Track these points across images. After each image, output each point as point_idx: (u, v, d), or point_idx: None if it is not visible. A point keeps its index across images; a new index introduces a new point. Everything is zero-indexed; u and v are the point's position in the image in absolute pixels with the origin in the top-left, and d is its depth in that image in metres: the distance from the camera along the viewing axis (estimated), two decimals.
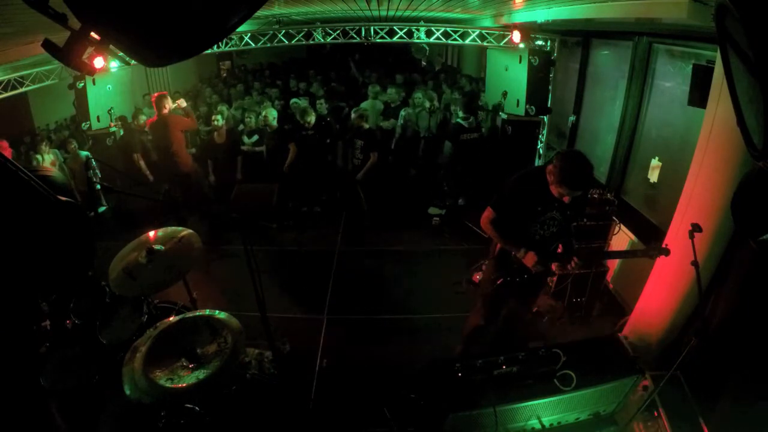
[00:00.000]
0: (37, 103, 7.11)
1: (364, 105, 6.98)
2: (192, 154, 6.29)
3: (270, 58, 11.11)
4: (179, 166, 5.78)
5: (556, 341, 3.34)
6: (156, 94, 5.66)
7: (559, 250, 3.00)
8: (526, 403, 2.33)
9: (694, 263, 2.39)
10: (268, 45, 6.40)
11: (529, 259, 2.80)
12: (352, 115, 5.97)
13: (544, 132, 6.76)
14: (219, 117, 6.06)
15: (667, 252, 2.77)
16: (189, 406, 2.76)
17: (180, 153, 5.75)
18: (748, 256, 2.80)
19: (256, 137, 6.12)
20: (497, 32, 6.08)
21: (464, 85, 7.90)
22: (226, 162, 6.17)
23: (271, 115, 6.05)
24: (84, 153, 6.14)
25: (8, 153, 4.94)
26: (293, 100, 7.11)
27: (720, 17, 1.21)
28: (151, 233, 3.08)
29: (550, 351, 2.48)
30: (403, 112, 6.39)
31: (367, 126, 5.94)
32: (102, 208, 6.53)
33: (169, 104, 5.62)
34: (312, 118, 5.78)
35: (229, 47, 6.45)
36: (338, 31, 6.22)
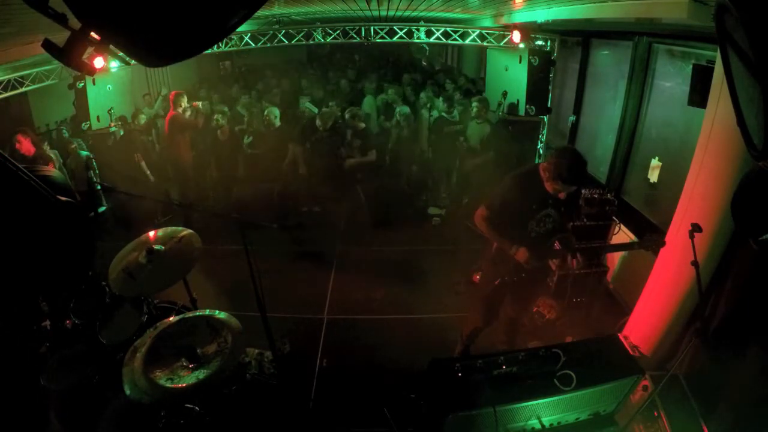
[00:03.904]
0: (37, 103, 7.09)
1: (365, 102, 7.03)
2: (193, 155, 6.33)
3: (269, 58, 11.10)
4: (176, 161, 6.03)
5: (556, 341, 3.34)
6: (174, 92, 5.90)
7: (556, 247, 3.01)
8: (526, 403, 2.33)
9: (694, 263, 2.39)
10: (268, 45, 6.40)
11: (522, 255, 2.82)
12: (346, 115, 5.98)
13: (544, 132, 6.76)
14: (219, 116, 6.06)
15: (662, 243, 2.79)
16: (189, 406, 2.76)
17: (175, 150, 5.93)
18: (748, 256, 2.81)
19: (249, 139, 6.11)
20: (497, 32, 6.07)
21: (463, 85, 7.96)
22: (229, 160, 6.19)
23: (273, 114, 6.04)
24: (84, 153, 6.14)
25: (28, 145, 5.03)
26: (306, 104, 7.16)
27: (720, 17, 1.21)
28: (151, 233, 3.08)
29: (550, 351, 2.48)
30: (398, 110, 6.41)
31: (362, 125, 5.94)
32: (102, 208, 6.53)
33: (183, 103, 5.83)
34: (330, 122, 5.84)
35: (229, 47, 6.45)
36: (338, 31, 6.22)
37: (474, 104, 6.00)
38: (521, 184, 2.88)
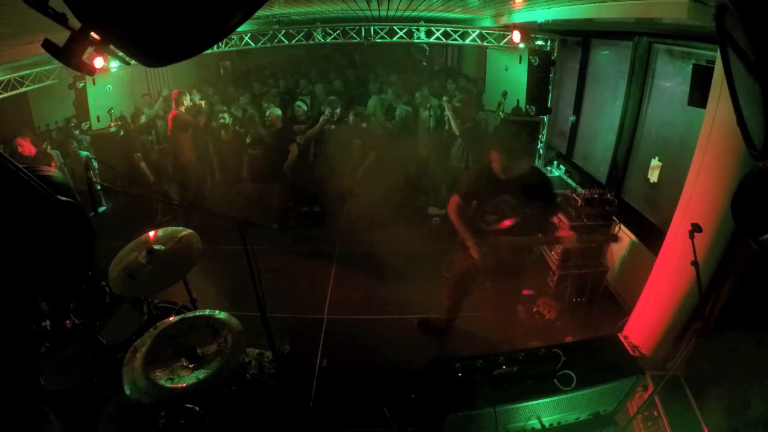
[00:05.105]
0: (37, 103, 7.09)
1: (370, 102, 7.02)
2: (196, 154, 6.34)
3: (268, 58, 11.08)
4: (178, 159, 6.00)
5: (556, 341, 3.34)
6: (176, 91, 5.87)
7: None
8: (526, 403, 2.33)
9: (694, 263, 2.39)
10: (268, 45, 6.40)
11: (476, 253, 2.98)
12: (350, 115, 5.99)
13: (544, 132, 6.76)
14: (225, 116, 6.07)
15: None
16: (189, 406, 2.76)
17: (178, 148, 5.91)
18: (748, 256, 2.81)
19: (249, 139, 6.12)
20: (497, 32, 6.08)
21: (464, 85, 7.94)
22: (232, 160, 6.21)
23: (275, 114, 6.03)
24: (84, 153, 6.15)
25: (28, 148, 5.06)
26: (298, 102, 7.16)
27: (720, 17, 1.21)
28: (151, 233, 3.08)
29: (550, 351, 2.48)
30: (398, 111, 6.40)
31: (364, 125, 5.95)
32: (102, 208, 6.54)
33: (185, 101, 5.81)
34: (337, 107, 5.90)
35: (229, 47, 6.45)
36: (338, 31, 6.23)
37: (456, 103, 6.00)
38: (480, 170, 3.05)
